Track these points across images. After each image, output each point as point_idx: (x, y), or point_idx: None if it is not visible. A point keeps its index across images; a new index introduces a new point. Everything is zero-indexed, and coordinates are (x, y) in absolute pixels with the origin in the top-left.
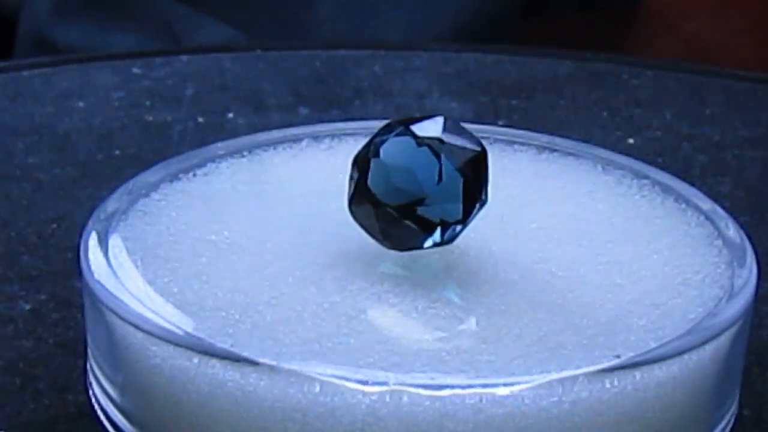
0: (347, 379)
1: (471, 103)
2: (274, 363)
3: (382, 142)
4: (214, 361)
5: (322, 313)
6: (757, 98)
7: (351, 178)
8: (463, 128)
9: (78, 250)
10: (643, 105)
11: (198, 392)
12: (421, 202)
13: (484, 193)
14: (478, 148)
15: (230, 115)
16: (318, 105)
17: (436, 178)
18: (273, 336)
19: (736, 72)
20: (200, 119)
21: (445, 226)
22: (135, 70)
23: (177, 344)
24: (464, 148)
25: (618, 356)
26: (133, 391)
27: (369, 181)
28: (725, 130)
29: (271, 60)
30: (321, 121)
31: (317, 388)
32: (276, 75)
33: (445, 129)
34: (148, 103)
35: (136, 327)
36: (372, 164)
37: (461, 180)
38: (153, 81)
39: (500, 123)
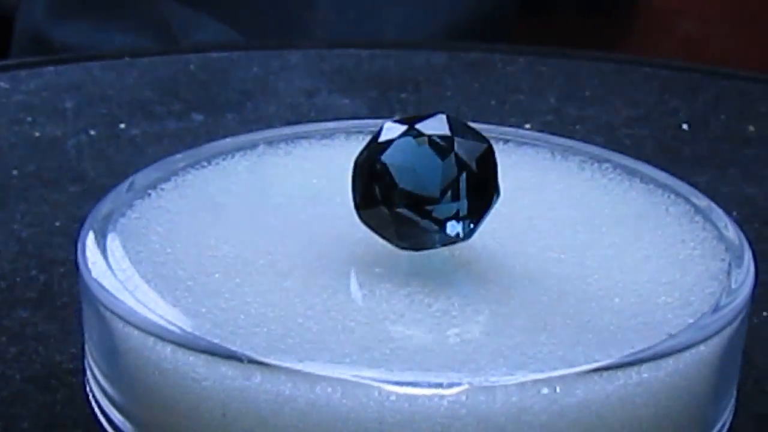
0: (423, 385)
1: (362, 99)
2: (348, 377)
3: (389, 143)
4: (281, 376)
5: (364, 320)
6: (628, 79)
7: (356, 181)
8: (466, 125)
9: (75, 252)
10: (524, 91)
11: (258, 410)
12: (436, 200)
13: (496, 187)
14: (486, 144)
15: (122, 125)
16: (209, 110)
17: (452, 176)
18: (328, 348)
19: (603, 55)
20: (92, 132)
21: (463, 222)
22: (2, 84)
23: (238, 361)
24: (473, 145)
25: (672, 335)
26: (155, 403)
27: (380, 183)
28: (610, 111)
29: (142, 66)
30: (217, 126)
31: (394, 397)
32: (153, 81)
33: (450, 126)
34: (29, 118)
35: (184, 346)
36: (381, 166)
37: (475, 176)
38: (25, 95)
39: (395, 117)
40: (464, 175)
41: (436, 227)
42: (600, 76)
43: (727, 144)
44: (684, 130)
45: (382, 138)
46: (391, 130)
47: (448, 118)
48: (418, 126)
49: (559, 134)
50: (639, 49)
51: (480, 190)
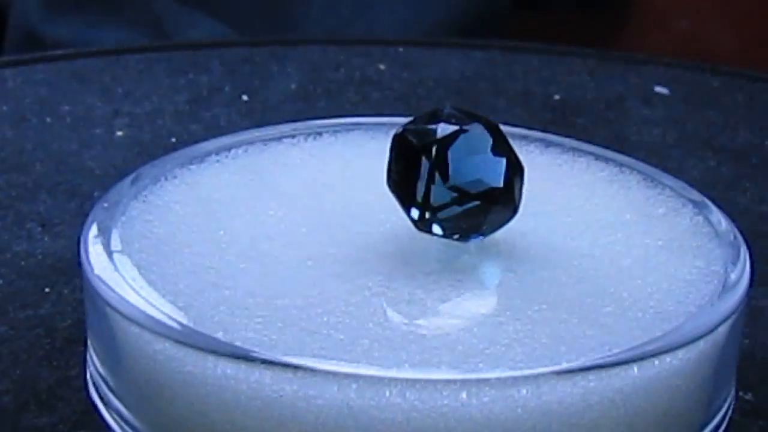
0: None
1: None
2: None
3: (446, 142)
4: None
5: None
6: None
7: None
8: (474, 113)
9: (78, 248)
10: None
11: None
12: (503, 187)
13: (520, 163)
14: (496, 124)
15: None
16: None
17: (503, 164)
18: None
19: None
20: None
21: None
22: None
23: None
24: (494, 129)
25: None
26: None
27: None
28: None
29: None
30: None
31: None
32: None
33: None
34: None
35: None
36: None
37: (511, 157)
38: None
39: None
40: (504, 158)
41: (505, 211)
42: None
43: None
44: (244, 101)
45: (428, 138)
46: (424, 129)
47: (458, 110)
48: (458, 123)
49: None
50: (634, 45)
51: (516, 170)
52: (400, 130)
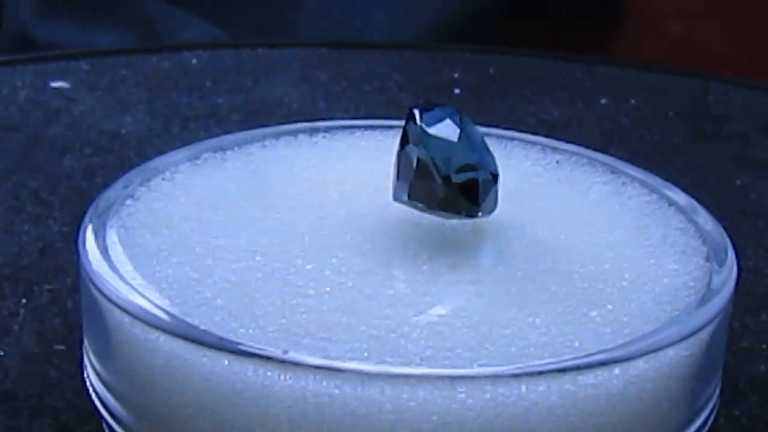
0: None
1: None
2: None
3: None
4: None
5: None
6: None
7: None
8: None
9: (76, 242)
10: None
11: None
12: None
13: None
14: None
15: None
16: None
17: (480, 143)
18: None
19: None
20: None
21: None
22: None
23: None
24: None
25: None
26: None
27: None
28: None
29: None
30: None
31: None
32: None
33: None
34: None
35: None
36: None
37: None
38: None
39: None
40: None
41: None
42: None
43: None
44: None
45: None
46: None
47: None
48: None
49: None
50: (629, 49)
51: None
52: (413, 128)
